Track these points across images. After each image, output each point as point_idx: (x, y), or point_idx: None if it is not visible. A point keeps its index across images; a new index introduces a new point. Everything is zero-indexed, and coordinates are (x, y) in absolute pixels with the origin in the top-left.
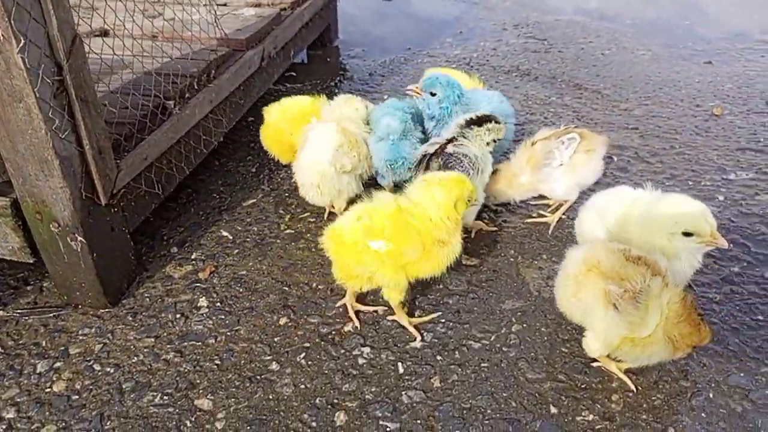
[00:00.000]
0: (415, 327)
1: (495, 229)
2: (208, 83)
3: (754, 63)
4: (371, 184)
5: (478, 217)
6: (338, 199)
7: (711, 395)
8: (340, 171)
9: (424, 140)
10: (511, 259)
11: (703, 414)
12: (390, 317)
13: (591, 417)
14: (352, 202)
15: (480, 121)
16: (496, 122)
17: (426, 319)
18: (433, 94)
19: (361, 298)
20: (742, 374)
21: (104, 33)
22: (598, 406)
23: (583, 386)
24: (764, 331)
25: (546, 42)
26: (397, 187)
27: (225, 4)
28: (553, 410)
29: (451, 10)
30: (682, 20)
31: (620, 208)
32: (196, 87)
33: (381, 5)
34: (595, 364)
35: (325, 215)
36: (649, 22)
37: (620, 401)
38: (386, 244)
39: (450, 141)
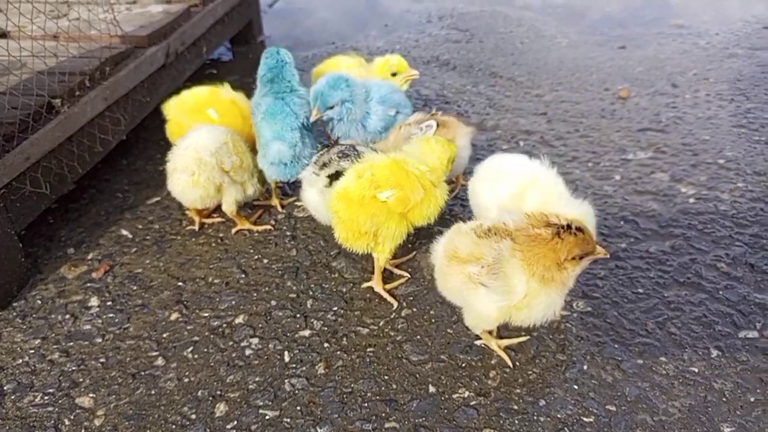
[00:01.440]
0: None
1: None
2: (102, 81)
3: (665, 47)
4: None
5: None
6: (226, 199)
7: (585, 367)
8: (219, 166)
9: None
10: (409, 245)
11: (575, 386)
12: (366, 284)
13: (467, 394)
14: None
15: None
16: None
17: (398, 283)
18: (331, 107)
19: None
20: (616, 345)
21: (2, 35)
22: (475, 383)
23: (463, 365)
24: (643, 303)
25: (468, 32)
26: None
27: (135, 2)
28: (432, 389)
29: (379, 2)
30: (603, 7)
31: (517, 178)
32: (88, 85)
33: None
34: (477, 342)
35: (197, 225)
36: (569, 9)
37: (497, 377)
38: (393, 193)
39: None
